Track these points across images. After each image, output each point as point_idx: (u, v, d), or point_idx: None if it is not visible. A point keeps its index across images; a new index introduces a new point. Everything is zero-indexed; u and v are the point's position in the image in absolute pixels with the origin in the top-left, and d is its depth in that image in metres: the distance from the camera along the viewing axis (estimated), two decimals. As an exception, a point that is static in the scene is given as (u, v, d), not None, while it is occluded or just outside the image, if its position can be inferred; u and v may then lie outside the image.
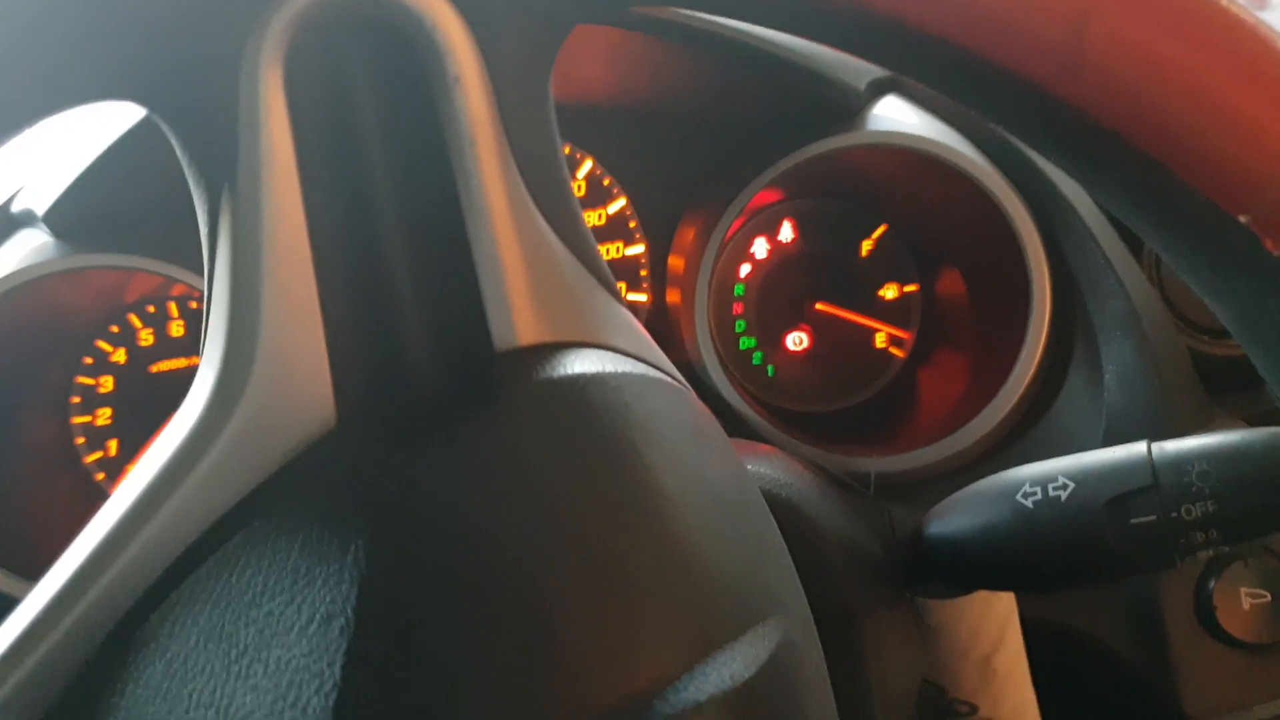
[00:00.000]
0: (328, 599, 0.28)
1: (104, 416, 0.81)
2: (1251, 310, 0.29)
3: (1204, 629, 0.61)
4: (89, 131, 0.68)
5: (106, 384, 0.81)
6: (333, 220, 0.33)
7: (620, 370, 0.34)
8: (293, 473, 0.31)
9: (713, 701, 0.29)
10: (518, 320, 0.33)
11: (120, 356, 0.81)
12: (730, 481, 0.36)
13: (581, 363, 0.33)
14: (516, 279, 0.33)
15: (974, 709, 0.55)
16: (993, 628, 0.55)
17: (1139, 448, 0.45)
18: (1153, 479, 0.44)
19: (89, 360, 0.80)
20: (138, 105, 0.31)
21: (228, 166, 0.31)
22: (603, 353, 0.34)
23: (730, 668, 0.30)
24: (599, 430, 0.32)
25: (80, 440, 0.80)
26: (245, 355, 0.31)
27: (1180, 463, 0.44)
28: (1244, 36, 0.27)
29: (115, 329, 0.80)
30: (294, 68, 0.32)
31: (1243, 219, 0.27)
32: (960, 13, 0.27)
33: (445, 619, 0.28)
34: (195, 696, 0.28)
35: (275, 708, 0.27)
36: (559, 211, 0.35)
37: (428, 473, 0.30)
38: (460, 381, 0.33)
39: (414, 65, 0.33)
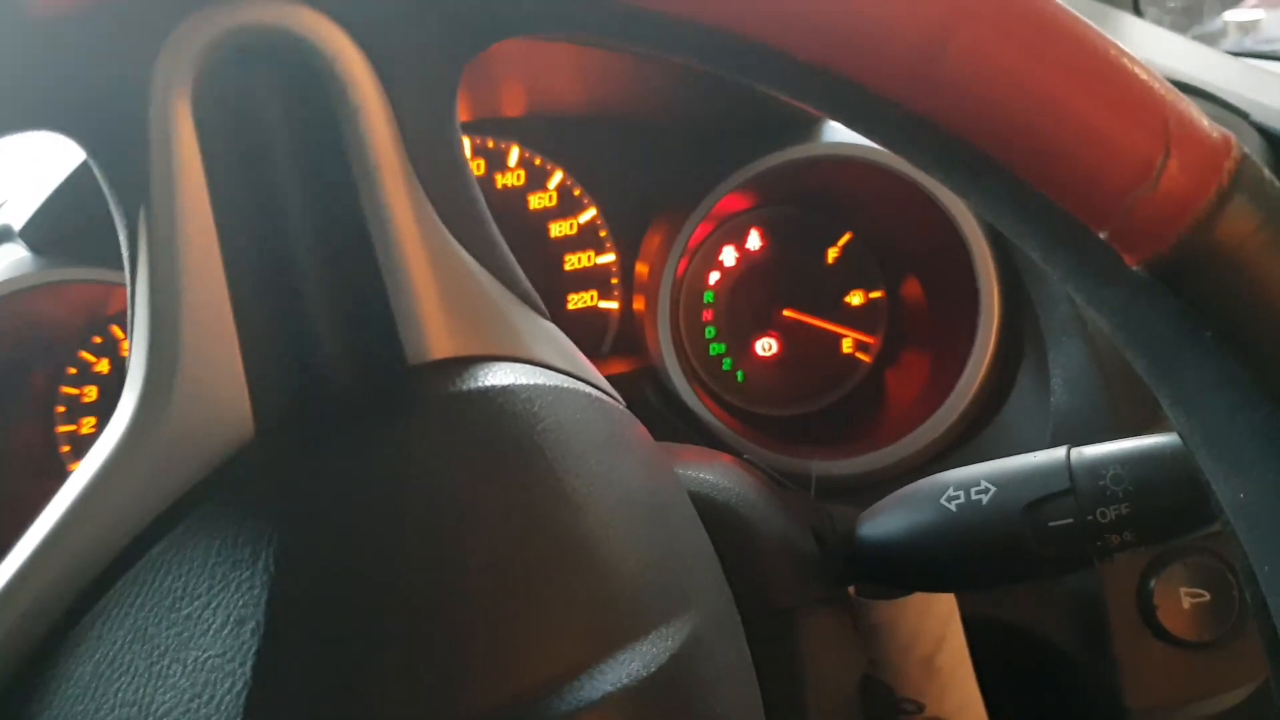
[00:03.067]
0: (240, 602, 0.29)
1: (88, 425, 0.82)
2: (1123, 319, 0.30)
3: (1146, 627, 0.62)
4: (64, 148, 0.69)
5: (90, 393, 0.82)
6: (246, 241, 0.34)
7: (532, 382, 0.35)
8: (213, 482, 0.32)
9: (608, 699, 0.30)
10: (429, 334, 0.35)
11: (104, 367, 0.82)
12: (644, 486, 0.37)
13: (492, 375, 0.34)
14: (427, 296, 0.35)
15: (920, 707, 0.56)
16: (934, 626, 0.56)
17: (1058, 453, 0.47)
18: (1070, 483, 0.45)
19: (73, 370, 0.81)
20: (57, 133, 0.33)
21: (142, 191, 0.33)
22: (516, 365, 0.36)
23: (629, 666, 0.31)
24: (505, 439, 0.33)
25: (65, 449, 0.82)
26: (167, 372, 0.33)
27: (1096, 467, 0.45)
28: (1095, 56, 0.27)
29: (98, 340, 0.81)
30: (202, 95, 0.33)
31: (1102, 235, 0.28)
32: (821, 37, 0.28)
33: (350, 621, 0.29)
34: (120, 695, 0.30)
35: (191, 705, 0.29)
36: (470, 229, 0.36)
37: (336, 480, 0.31)
38: (373, 394, 0.34)
39: (318, 94, 0.34)
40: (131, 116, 0.32)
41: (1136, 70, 0.28)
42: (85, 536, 0.32)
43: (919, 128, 0.29)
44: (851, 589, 0.55)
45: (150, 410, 0.33)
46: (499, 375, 0.35)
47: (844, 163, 0.78)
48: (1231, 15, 1.26)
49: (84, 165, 0.68)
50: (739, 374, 0.89)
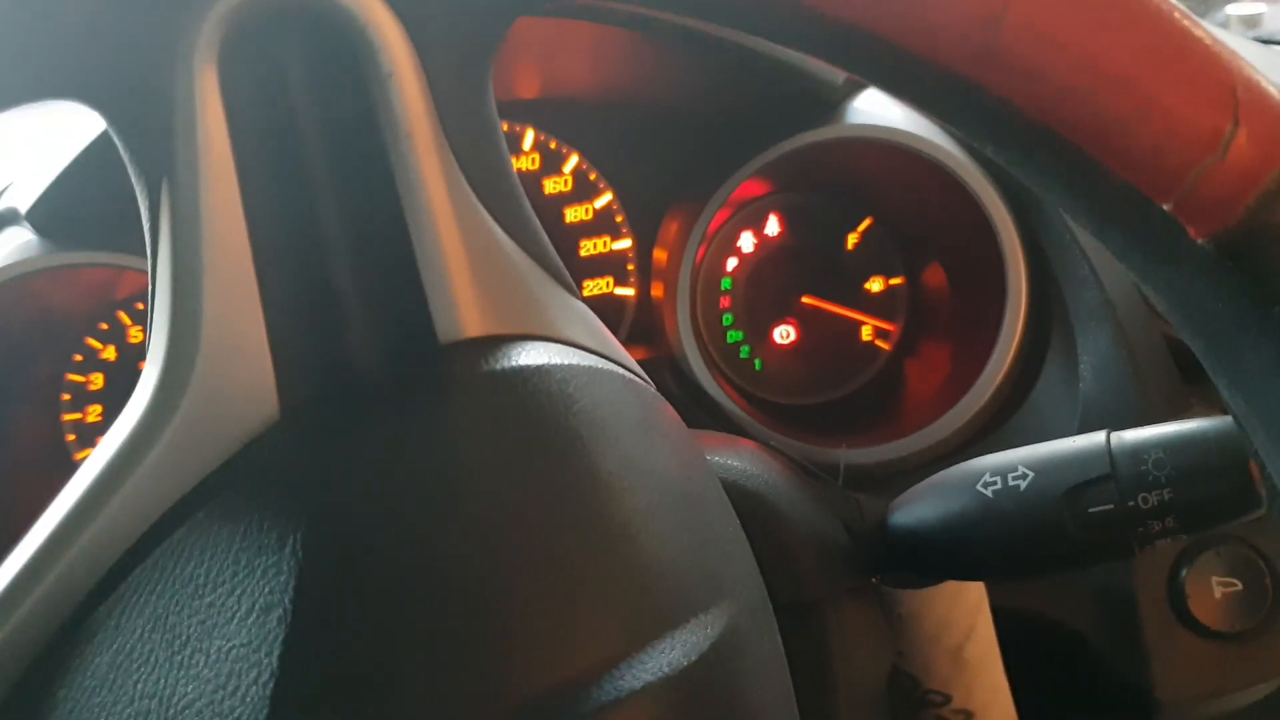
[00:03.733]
0: (266, 589, 0.28)
1: (94, 413, 0.81)
2: (1182, 297, 0.29)
3: (1176, 617, 0.61)
4: (71, 129, 0.68)
5: (97, 381, 0.81)
6: (272, 214, 0.33)
7: (566, 362, 0.34)
8: (236, 466, 0.32)
9: (649, 689, 0.29)
10: (461, 313, 0.34)
11: (110, 354, 0.81)
12: (679, 472, 0.36)
13: (526, 355, 0.33)
14: (459, 271, 0.34)
15: (947, 698, 0.56)
16: (963, 617, 0.55)
17: (1098, 437, 0.46)
18: (1110, 468, 0.44)
19: (79, 357, 0.80)
20: (79, 102, 0.32)
21: (165, 162, 0.32)
22: (549, 345, 0.35)
23: (669, 655, 0.30)
24: (540, 421, 0.32)
25: (71, 437, 0.81)
26: (188, 350, 0.32)
27: (1137, 452, 0.44)
28: (1160, 24, 0.27)
29: (105, 326, 0.81)
30: (229, 64, 0.32)
31: (1166, 207, 0.27)
32: (877, 4, 0.27)
33: (381, 608, 0.28)
34: (140, 686, 0.29)
35: (215, 697, 0.28)
36: (503, 204, 0.35)
37: (366, 465, 0.30)
38: (403, 374, 0.33)
39: (349, 61, 0.33)
40: (155, 85, 0.32)
41: (1202, 36, 0.27)
42: (103, 521, 0.31)
43: (972, 97, 0.28)
44: (875, 579, 0.54)
45: (171, 389, 0.32)
46: (533, 355, 0.34)
47: (864, 146, 0.77)
48: (1234, 9, 1.25)
49: (92, 147, 0.67)
50: (757, 362, 0.88)
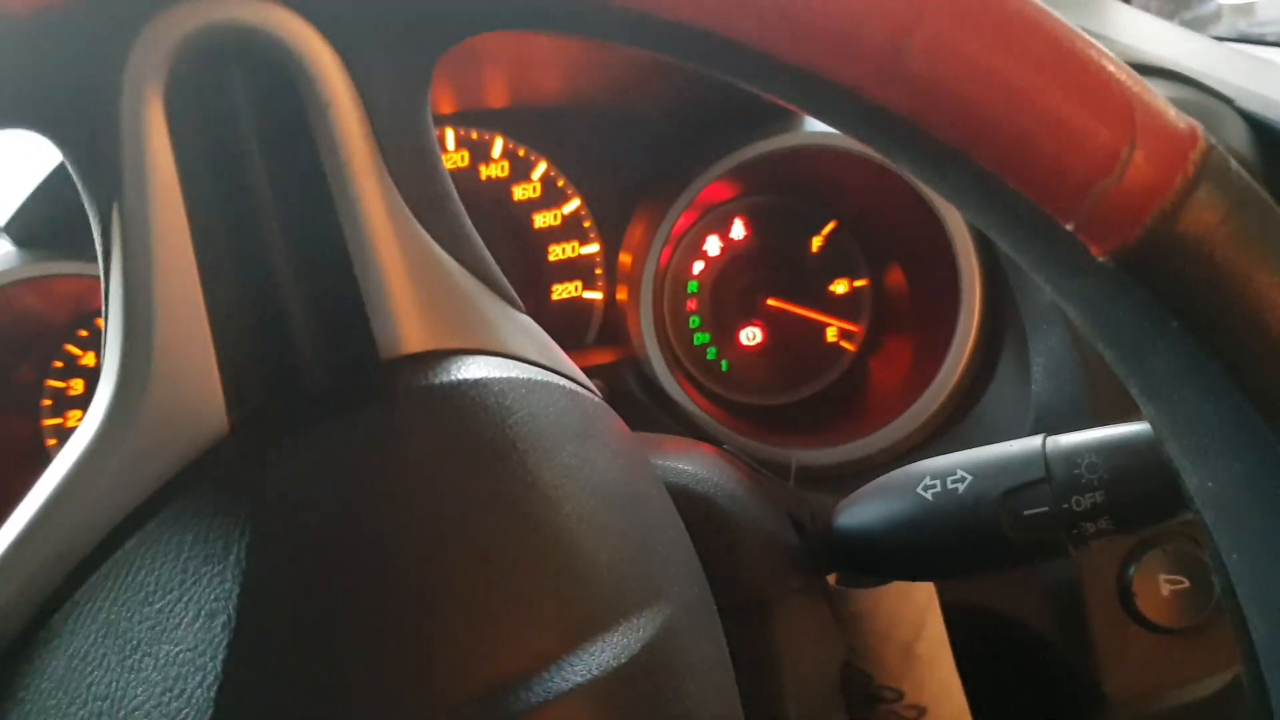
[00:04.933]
0: (212, 596, 0.30)
1: (75, 418, 0.82)
2: (1090, 310, 0.30)
3: (1125, 614, 0.62)
4: (47, 143, 0.69)
5: (76, 386, 0.82)
6: (218, 236, 0.34)
7: (504, 375, 0.35)
8: (186, 477, 0.33)
9: (578, 690, 0.30)
10: (402, 329, 0.35)
11: (90, 360, 0.82)
12: (618, 477, 0.37)
13: (465, 369, 0.35)
14: (399, 289, 0.35)
15: (899, 694, 0.57)
16: (912, 614, 0.56)
17: (1034, 441, 0.47)
18: (1045, 472, 0.46)
19: (59, 364, 0.81)
20: (31, 130, 0.33)
21: (115, 187, 0.33)
22: (489, 359, 0.36)
23: (599, 657, 0.31)
24: (477, 433, 0.33)
25: (51, 442, 0.82)
26: (139, 367, 0.33)
27: (1071, 456, 0.46)
28: (1059, 48, 0.27)
29: (84, 333, 0.81)
30: (174, 92, 0.33)
31: (1069, 226, 0.28)
32: (787, 31, 0.28)
33: (321, 614, 0.30)
34: (93, 689, 0.30)
35: (163, 699, 0.29)
36: (443, 223, 0.36)
37: (308, 475, 0.32)
38: (346, 389, 0.34)
39: (289, 91, 0.34)
40: (104, 112, 0.33)
41: (1102, 61, 0.28)
42: (59, 531, 0.32)
43: (886, 120, 0.29)
44: (832, 578, 0.55)
45: (125, 405, 0.33)
46: (472, 369, 0.35)
47: (828, 152, 0.78)
48: (1227, -1, 1.26)
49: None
50: (724, 363, 0.90)
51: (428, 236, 0.36)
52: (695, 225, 0.88)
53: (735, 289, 0.89)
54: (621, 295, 0.85)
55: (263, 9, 0.33)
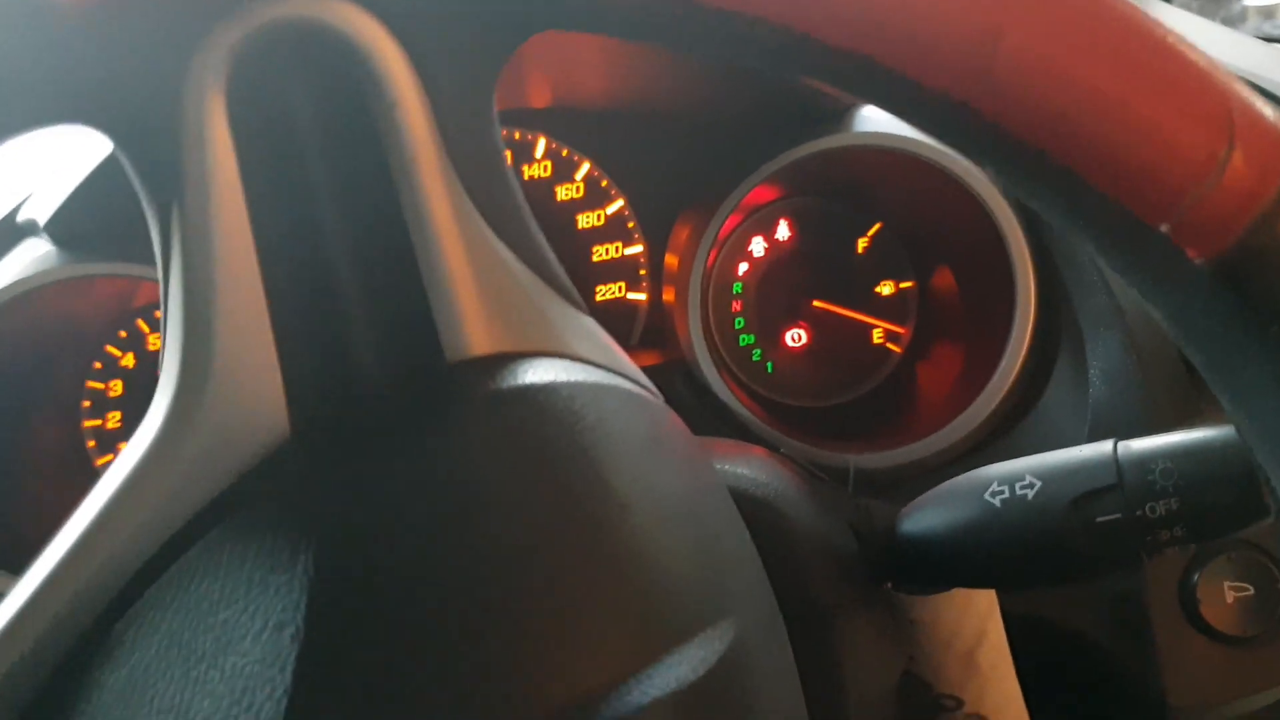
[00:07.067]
0: (279, 607, 0.29)
1: (114, 420, 0.82)
2: (1182, 314, 0.30)
3: (1188, 622, 0.61)
4: (88, 142, 0.69)
5: (116, 388, 0.82)
6: (280, 238, 0.33)
7: (571, 379, 0.34)
8: (248, 484, 0.32)
9: (656, 704, 0.29)
10: (468, 331, 0.34)
11: (129, 361, 0.82)
12: (687, 484, 0.36)
13: (533, 372, 0.34)
14: (465, 291, 0.34)
15: (959, 703, 0.56)
16: (974, 622, 0.56)
17: (1105, 446, 0.46)
18: (1117, 477, 0.44)
19: (99, 365, 0.81)
20: (91, 128, 0.32)
21: (175, 188, 0.32)
22: (556, 361, 0.35)
23: (676, 671, 0.31)
24: (547, 439, 0.32)
25: (91, 444, 0.82)
26: (201, 371, 0.32)
27: (1144, 461, 0.44)
28: (1155, 48, 0.27)
29: (124, 334, 0.81)
30: (236, 92, 0.32)
31: (1163, 229, 0.27)
32: (875, 31, 0.27)
33: (393, 626, 0.29)
34: (156, 702, 0.29)
35: (230, 712, 0.28)
36: (508, 224, 0.36)
37: (376, 483, 0.31)
38: (411, 393, 0.34)
39: (353, 89, 0.33)
40: (165, 111, 0.32)
41: (1197, 59, 0.27)
42: (117, 541, 0.32)
43: (973, 123, 0.28)
44: (887, 585, 0.54)
45: (183, 411, 0.32)
46: (539, 372, 0.34)
47: (873, 153, 0.77)
48: (1250, 0, 1.25)
49: (109, 159, 0.68)
50: (768, 365, 0.89)
51: (493, 236, 0.35)
52: (740, 226, 0.87)
53: (780, 290, 0.88)
54: (669, 297, 0.84)
55: (329, 6, 0.33)
